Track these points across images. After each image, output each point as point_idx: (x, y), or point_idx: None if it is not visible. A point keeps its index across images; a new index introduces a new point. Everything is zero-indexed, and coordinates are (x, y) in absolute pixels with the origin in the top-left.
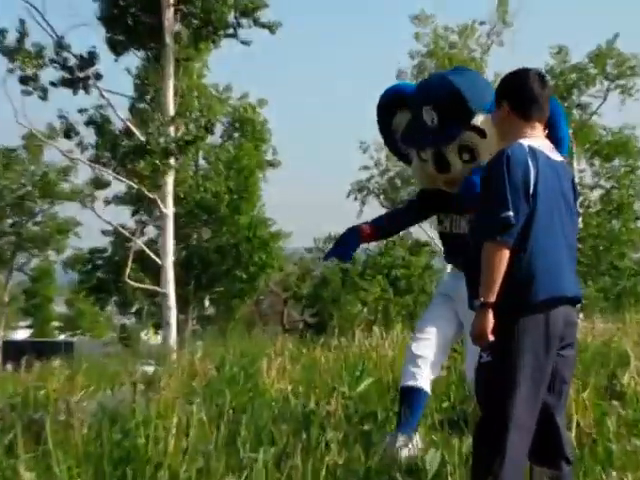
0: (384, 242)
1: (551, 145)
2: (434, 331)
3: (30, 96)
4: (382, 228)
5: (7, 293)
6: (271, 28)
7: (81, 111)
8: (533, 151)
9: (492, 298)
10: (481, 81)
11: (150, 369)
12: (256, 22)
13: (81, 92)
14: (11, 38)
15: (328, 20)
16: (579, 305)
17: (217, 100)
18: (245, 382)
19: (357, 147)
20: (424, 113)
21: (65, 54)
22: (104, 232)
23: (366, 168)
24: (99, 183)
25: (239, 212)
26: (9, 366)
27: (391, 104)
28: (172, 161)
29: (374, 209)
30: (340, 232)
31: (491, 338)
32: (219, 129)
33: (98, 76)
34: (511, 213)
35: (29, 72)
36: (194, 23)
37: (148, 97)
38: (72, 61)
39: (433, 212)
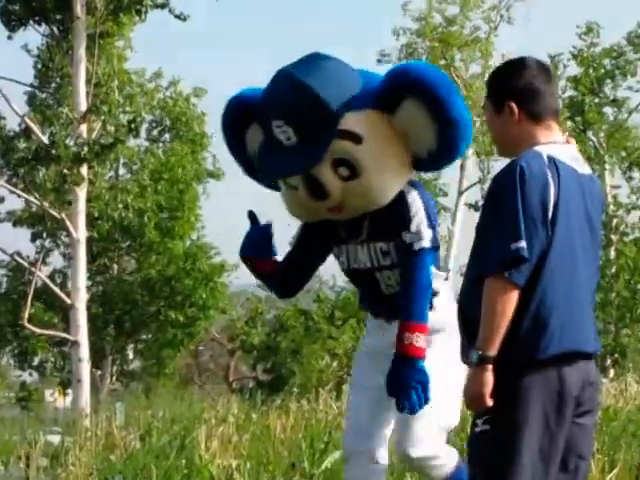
0: None
1: (576, 153)
2: (367, 418)
3: None
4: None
5: None
6: None
7: None
8: (553, 162)
9: (493, 351)
10: (340, 70)
11: (56, 439)
12: None
13: None
14: None
15: None
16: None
17: (143, 91)
18: (177, 456)
19: None
20: (275, 130)
21: None
22: None
23: None
24: None
25: (172, 237)
26: None
27: (236, 120)
28: (84, 170)
29: None
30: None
31: (489, 402)
32: (145, 129)
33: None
34: (524, 244)
35: None
36: None
37: (52, 86)
38: None
39: (324, 248)
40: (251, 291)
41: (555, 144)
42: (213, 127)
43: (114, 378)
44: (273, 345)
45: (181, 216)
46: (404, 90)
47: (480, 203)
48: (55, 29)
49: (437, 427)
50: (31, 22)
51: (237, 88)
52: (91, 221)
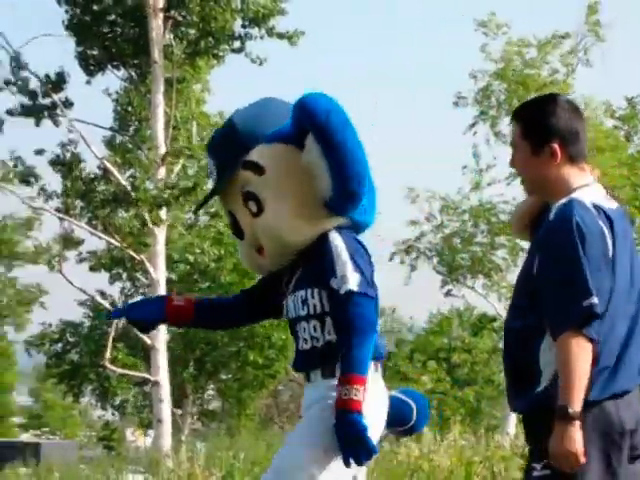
0: (437, 317)
1: (603, 190)
2: None
3: None
4: (203, 309)
5: None
6: (290, 38)
7: (39, 152)
8: (601, 211)
9: (579, 407)
10: (273, 107)
11: (139, 478)
12: (270, 32)
13: (46, 123)
14: None
15: (361, 25)
16: None
17: None
18: None
19: (403, 196)
20: (209, 170)
21: (24, 74)
22: (79, 303)
23: (415, 223)
24: (69, 240)
25: (250, 277)
26: None
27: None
28: (164, 213)
29: (426, 275)
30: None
31: (583, 459)
32: None
33: (67, 103)
34: (596, 300)
35: None
36: (189, 34)
37: (131, 129)
38: (34, 83)
39: (266, 303)
40: None
41: (589, 187)
42: None
43: (195, 417)
44: None
45: None
46: (304, 122)
47: None
48: (133, 73)
49: None
50: (109, 67)
51: None
52: (170, 263)
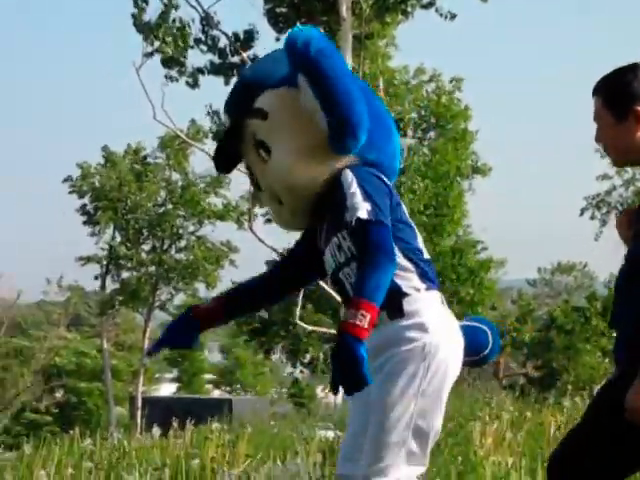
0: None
1: None
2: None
3: (175, 83)
4: (234, 300)
5: (147, 338)
6: None
7: None
8: None
9: None
10: (279, 53)
11: (330, 434)
12: None
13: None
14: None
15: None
16: None
17: (407, 89)
18: (451, 451)
19: (594, 150)
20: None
21: (214, 33)
22: (268, 261)
23: (606, 177)
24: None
25: (439, 234)
26: (155, 430)
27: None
28: None
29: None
30: (562, 260)
31: None
32: (411, 127)
33: (256, 60)
34: None
35: (171, 54)
36: None
37: None
38: (223, 41)
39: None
40: (520, 287)
41: None
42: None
43: None
44: (545, 342)
45: (447, 213)
46: (290, 60)
47: None
48: (322, 30)
49: (405, 461)
50: (298, 24)
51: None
52: None
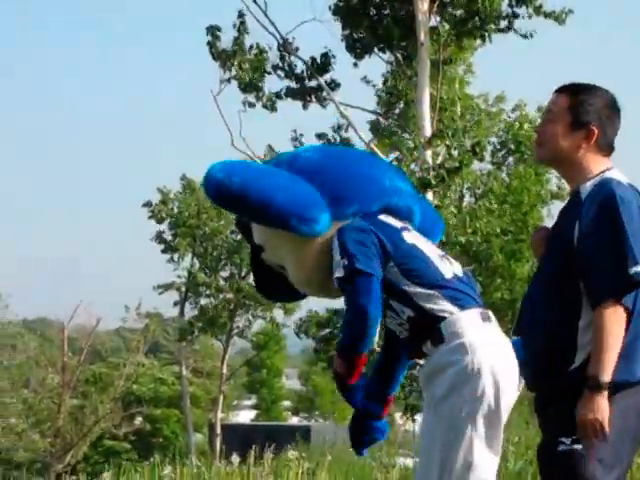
0: None
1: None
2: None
3: (252, 109)
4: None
5: (226, 365)
6: (558, 18)
7: (320, 136)
8: (632, 188)
9: (609, 377)
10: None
11: (409, 462)
12: (538, 11)
13: (313, 106)
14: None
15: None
16: None
17: (486, 114)
18: None
19: None
20: None
21: (291, 59)
22: None
23: None
24: None
25: (518, 259)
26: (234, 457)
27: None
28: (430, 195)
29: None
30: None
31: (607, 429)
32: (489, 152)
33: (334, 85)
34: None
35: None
36: (456, 15)
37: (396, 112)
38: (300, 67)
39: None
40: None
41: (612, 170)
42: None
43: None
44: None
45: (525, 239)
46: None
47: None
48: (398, 56)
49: None
50: (375, 50)
51: None
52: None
